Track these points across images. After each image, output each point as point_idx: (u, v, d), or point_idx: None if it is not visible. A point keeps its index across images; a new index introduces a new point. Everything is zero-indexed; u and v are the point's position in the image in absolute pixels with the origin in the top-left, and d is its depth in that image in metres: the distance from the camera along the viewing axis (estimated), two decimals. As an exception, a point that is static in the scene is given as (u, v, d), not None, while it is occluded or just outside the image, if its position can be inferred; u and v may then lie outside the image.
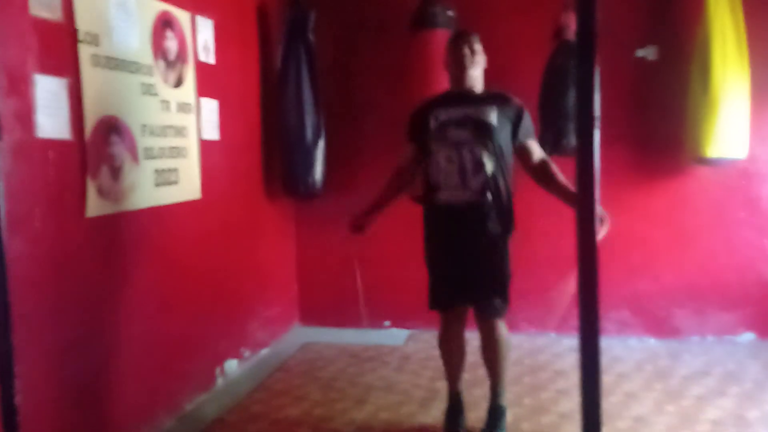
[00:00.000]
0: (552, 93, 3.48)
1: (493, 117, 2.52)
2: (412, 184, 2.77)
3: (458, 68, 2.59)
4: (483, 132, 2.51)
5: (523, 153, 2.60)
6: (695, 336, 3.89)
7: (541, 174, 2.57)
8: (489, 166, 2.50)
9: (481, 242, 2.55)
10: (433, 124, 2.57)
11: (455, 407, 2.79)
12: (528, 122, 2.61)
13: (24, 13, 2.09)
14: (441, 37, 3.58)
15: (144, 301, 2.70)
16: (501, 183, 2.53)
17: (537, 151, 2.61)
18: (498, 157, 2.51)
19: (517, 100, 2.63)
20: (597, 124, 1.06)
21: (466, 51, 2.56)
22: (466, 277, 2.58)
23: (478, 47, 2.59)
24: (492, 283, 2.57)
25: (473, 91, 2.61)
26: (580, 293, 1.11)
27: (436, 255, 2.67)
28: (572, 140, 3.43)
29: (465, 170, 2.50)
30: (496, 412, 2.70)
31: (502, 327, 2.62)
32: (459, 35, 2.65)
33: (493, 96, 2.61)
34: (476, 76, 2.60)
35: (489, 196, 2.50)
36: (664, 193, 3.82)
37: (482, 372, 2.81)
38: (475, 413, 2.84)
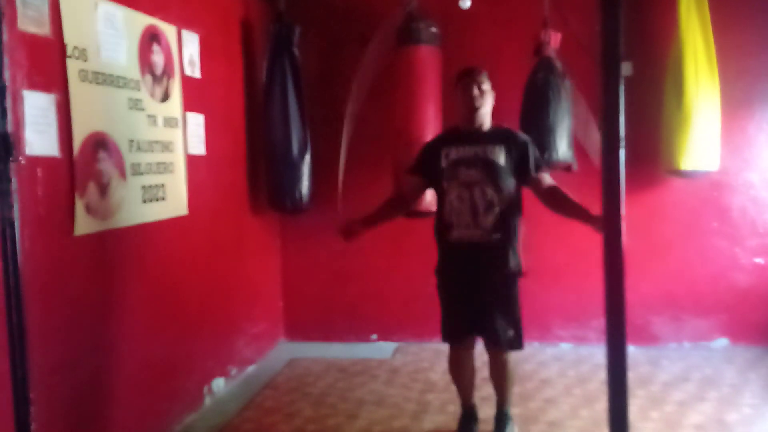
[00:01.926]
0: (533, 108, 3.56)
1: (501, 157, 2.60)
2: (408, 210, 2.85)
3: (467, 108, 2.65)
4: (492, 171, 2.58)
5: (535, 184, 2.66)
6: (672, 343, 4.00)
7: (552, 199, 2.63)
8: (499, 204, 2.57)
9: (493, 279, 2.62)
10: (444, 162, 2.64)
11: (469, 416, 2.84)
12: (537, 154, 2.69)
13: (12, 28, 2.05)
14: (424, 52, 3.64)
15: (132, 320, 2.64)
16: (511, 220, 2.61)
17: (547, 179, 2.68)
18: (507, 196, 2.59)
19: (522, 136, 2.71)
20: (622, 144, 1.09)
21: (476, 92, 2.62)
22: (479, 312, 2.63)
23: (486, 86, 2.65)
24: (505, 317, 2.62)
25: (482, 129, 2.67)
26: (606, 303, 1.14)
27: (449, 288, 2.73)
28: (554, 154, 3.51)
29: (476, 209, 2.58)
30: (502, 420, 2.78)
31: (510, 355, 2.70)
32: (467, 73, 2.69)
33: (500, 134, 2.68)
34: (485, 114, 2.67)
35: (500, 234, 2.58)
36: (640, 205, 3.92)
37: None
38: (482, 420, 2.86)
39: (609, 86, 1.05)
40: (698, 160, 3.59)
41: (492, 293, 2.62)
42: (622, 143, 1.08)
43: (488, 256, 2.60)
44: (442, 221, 2.67)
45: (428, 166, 2.71)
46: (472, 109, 2.63)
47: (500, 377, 2.74)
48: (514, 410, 3.07)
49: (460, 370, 2.80)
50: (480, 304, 2.62)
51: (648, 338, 3.98)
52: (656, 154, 3.79)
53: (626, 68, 3.75)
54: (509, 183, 2.60)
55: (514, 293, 2.65)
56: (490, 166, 2.59)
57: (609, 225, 1.06)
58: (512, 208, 2.62)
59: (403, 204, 2.85)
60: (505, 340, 2.63)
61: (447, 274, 2.72)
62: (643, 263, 3.94)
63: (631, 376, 3.85)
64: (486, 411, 2.91)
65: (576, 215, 2.55)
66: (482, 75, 2.66)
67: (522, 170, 2.63)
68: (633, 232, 3.90)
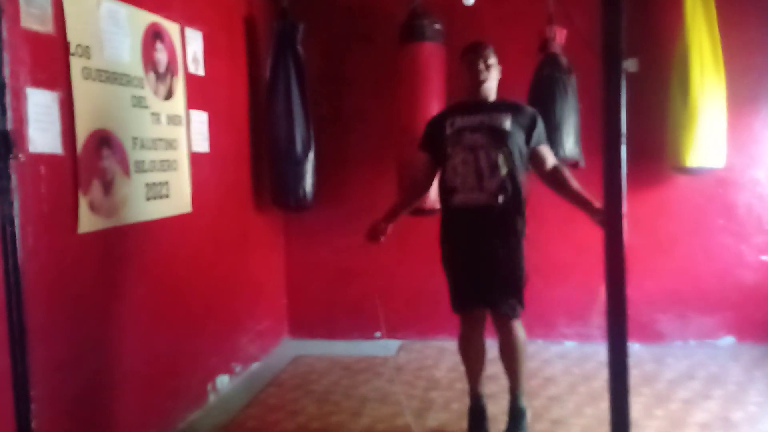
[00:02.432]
0: (538, 105, 3.50)
1: (507, 123, 2.59)
2: (427, 193, 2.83)
3: (472, 81, 2.65)
4: (498, 136, 2.57)
5: (536, 159, 2.66)
6: (678, 340, 3.98)
7: (554, 179, 2.63)
8: (504, 168, 2.55)
9: (497, 243, 2.60)
10: (449, 130, 2.64)
11: (477, 409, 2.80)
12: (541, 128, 2.67)
13: (15, 26, 2.05)
14: (429, 49, 3.63)
15: (136, 318, 2.65)
16: (516, 185, 2.58)
17: (550, 158, 2.68)
18: (513, 161, 2.57)
19: (530, 108, 2.71)
20: (623, 140, 1.08)
21: (481, 65, 2.63)
22: (483, 278, 2.62)
23: (492, 60, 2.66)
24: (507, 283, 2.61)
25: (487, 101, 2.67)
26: (608, 300, 1.13)
27: (453, 257, 2.71)
28: (560, 151, 3.49)
29: (481, 172, 2.56)
30: (516, 414, 2.74)
31: (518, 328, 2.67)
32: (472, 48, 2.69)
33: (506, 104, 2.68)
34: (491, 88, 2.67)
35: (504, 197, 2.56)
36: (646, 202, 3.90)
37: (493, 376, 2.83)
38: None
39: (610, 81, 1.04)
40: (704, 157, 3.57)
41: (496, 257, 2.59)
42: (623, 139, 1.07)
43: (492, 219, 2.57)
44: (445, 187, 2.65)
45: (434, 138, 2.70)
46: (478, 83, 2.62)
47: (509, 353, 2.68)
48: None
49: (470, 345, 2.76)
50: (484, 269, 2.61)
51: (653, 336, 3.96)
52: (662, 151, 3.77)
53: (632, 64, 3.76)
54: (515, 147, 2.58)
55: (518, 257, 2.62)
56: (495, 131, 2.57)
57: (610, 222, 1.06)
58: (517, 172, 2.59)
59: (419, 188, 2.82)
60: (509, 305, 2.61)
61: (452, 241, 2.70)
62: (649, 260, 3.92)
63: (636, 374, 3.82)
64: (496, 407, 2.89)
65: (577, 202, 2.54)
66: (488, 49, 2.66)
67: (527, 140, 2.62)
68: (638, 229, 3.93)
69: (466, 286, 2.67)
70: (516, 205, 2.59)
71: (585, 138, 3.64)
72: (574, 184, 2.59)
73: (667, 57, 3.73)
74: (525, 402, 2.78)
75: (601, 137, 1.11)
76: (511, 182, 2.56)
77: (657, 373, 3.50)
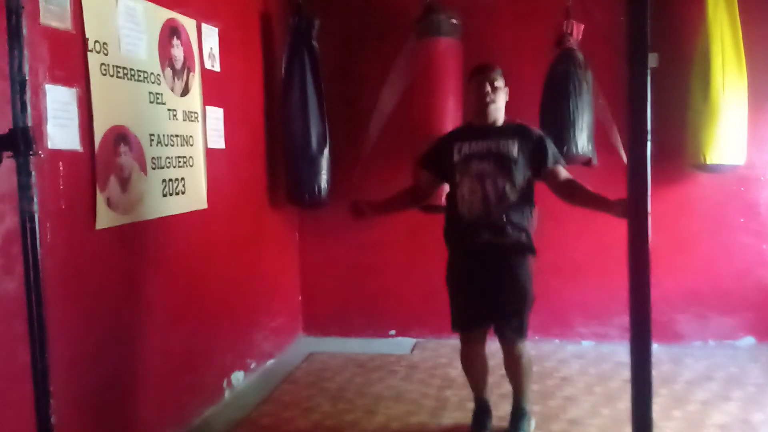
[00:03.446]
0: (553, 100, 3.51)
1: (514, 150, 2.58)
2: (423, 203, 2.87)
3: (480, 104, 2.64)
4: (505, 164, 2.57)
5: (552, 177, 2.64)
6: (696, 341, 3.93)
7: (569, 191, 2.60)
8: (511, 196, 2.55)
9: (501, 270, 2.61)
10: (456, 157, 2.63)
11: (482, 410, 2.83)
12: (553, 148, 2.66)
13: (35, 23, 2.06)
14: (445, 45, 3.60)
15: (153, 313, 2.66)
16: (523, 213, 2.59)
17: (563, 173, 2.65)
18: (519, 188, 2.57)
19: (537, 131, 2.69)
20: (649, 136, 1.06)
21: (488, 88, 2.61)
22: (486, 299, 2.62)
23: (499, 83, 2.63)
24: (512, 307, 2.61)
25: (495, 125, 2.66)
26: (630, 299, 1.11)
27: (458, 279, 2.72)
28: (573, 148, 3.46)
29: (488, 201, 2.56)
30: (518, 414, 2.75)
31: (522, 347, 2.67)
32: (480, 70, 2.68)
33: (514, 129, 2.66)
34: (498, 110, 2.65)
35: (511, 224, 2.56)
36: (665, 199, 3.85)
37: (494, 378, 2.82)
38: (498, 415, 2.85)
39: (635, 77, 1.02)
40: (725, 154, 3.52)
41: (502, 279, 2.60)
42: (649, 136, 1.05)
43: (498, 247, 2.58)
44: (452, 213, 2.66)
45: (440, 162, 2.70)
46: (485, 105, 2.61)
47: (515, 370, 2.71)
48: (533, 407, 3.04)
49: (472, 363, 2.78)
50: (489, 290, 2.61)
51: (671, 336, 3.91)
52: (682, 148, 3.72)
53: (652, 60, 3.70)
54: (521, 176, 2.58)
55: (525, 281, 2.61)
56: (503, 159, 2.57)
57: (635, 219, 1.04)
58: (525, 200, 2.59)
59: (418, 197, 2.85)
60: (511, 328, 2.62)
61: (457, 266, 2.71)
62: (668, 259, 3.87)
63: (654, 374, 3.76)
64: (506, 408, 2.87)
65: (594, 205, 2.52)
66: (495, 72, 2.64)
67: (538, 164, 2.60)
68: (657, 227, 3.82)
69: (468, 308, 2.68)
70: (524, 231, 2.59)
71: (598, 134, 3.60)
72: (588, 190, 2.55)
73: (687, 52, 3.67)
74: (529, 405, 2.79)
75: (626, 134, 1.08)
76: (519, 210, 2.57)
77: (675, 374, 3.45)
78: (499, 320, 2.64)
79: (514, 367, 2.71)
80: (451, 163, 2.64)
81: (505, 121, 2.68)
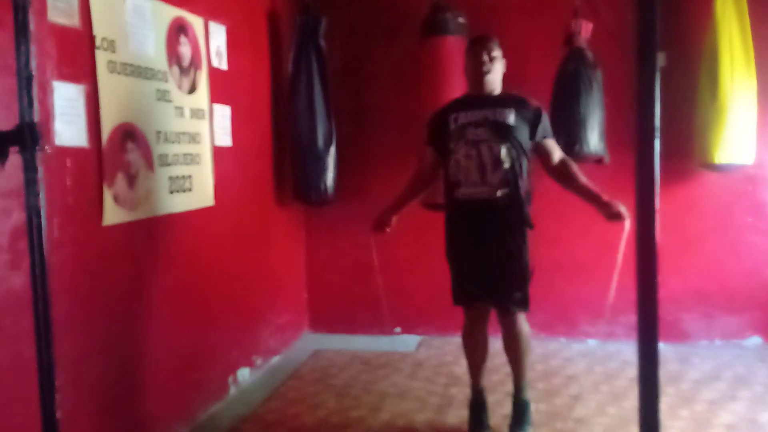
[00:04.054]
0: (564, 99, 3.50)
1: (510, 118, 2.57)
2: (431, 186, 2.84)
3: (476, 74, 2.64)
4: (501, 131, 2.55)
5: (542, 153, 2.64)
6: (703, 340, 3.91)
7: (562, 173, 2.61)
8: (507, 162, 2.54)
9: (500, 237, 2.58)
10: (452, 125, 2.63)
11: (478, 402, 2.81)
12: (546, 122, 2.65)
13: (42, 20, 2.07)
14: (452, 43, 3.60)
15: (159, 310, 2.67)
16: (520, 179, 2.56)
17: (556, 151, 2.65)
18: (516, 155, 2.55)
19: (535, 102, 2.68)
20: (657, 134, 1.06)
21: (485, 57, 2.61)
22: (486, 272, 2.61)
23: (496, 53, 2.63)
24: (511, 277, 2.60)
25: (492, 95, 2.65)
26: (638, 297, 1.10)
27: (457, 251, 2.70)
28: (584, 147, 3.45)
29: (484, 166, 2.54)
30: (520, 407, 2.73)
31: (522, 322, 2.65)
32: (477, 40, 2.69)
33: (510, 99, 2.66)
34: (495, 80, 2.65)
35: (508, 190, 2.54)
36: (672, 199, 3.83)
37: (499, 376, 2.81)
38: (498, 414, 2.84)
39: (644, 73, 1.01)
40: (733, 153, 3.49)
41: (499, 250, 2.58)
42: (657, 133, 1.04)
43: (495, 213, 2.56)
44: (449, 181, 2.64)
45: (437, 133, 2.69)
46: (481, 75, 2.61)
47: (514, 347, 2.68)
48: (539, 406, 3.04)
49: (473, 341, 2.76)
50: (487, 262, 2.59)
51: (678, 335, 3.89)
52: (690, 147, 3.70)
53: (660, 59, 3.68)
54: (518, 142, 2.56)
55: (522, 251, 2.60)
56: (499, 125, 2.56)
57: (642, 218, 1.03)
58: (521, 166, 2.57)
59: (423, 180, 2.83)
60: (512, 299, 2.60)
61: (455, 234, 2.69)
62: (675, 258, 3.86)
63: (661, 373, 3.78)
64: (507, 407, 2.86)
65: (585, 196, 2.51)
66: (492, 42, 2.63)
67: (531, 134, 2.59)
68: (664, 226, 3.82)
69: (468, 279, 2.67)
70: (520, 198, 2.57)
71: (609, 133, 3.58)
72: (582, 177, 2.56)
73: (696, 51, 3.65)
74: (529, 395, 2.78)
75: (633, 132, 1.08)
76: (515, 176, 2.55)
77: (682, 373, 3.44)
78: (498, 293, 2.62)
79: (514, 344, 2.67)
80: (447, 132, 2.63)
81: (502, 92, 2.68)
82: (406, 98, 3.82)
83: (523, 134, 2.58)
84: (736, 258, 3.85)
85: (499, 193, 2.53)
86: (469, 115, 2.60)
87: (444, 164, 2.68)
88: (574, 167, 2.60)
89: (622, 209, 2.37)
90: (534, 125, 2.60)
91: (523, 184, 2.58)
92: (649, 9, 0.98)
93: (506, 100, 2.64)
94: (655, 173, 1.03)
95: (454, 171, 2.60)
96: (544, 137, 2.63)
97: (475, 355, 2.79)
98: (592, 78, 3.47)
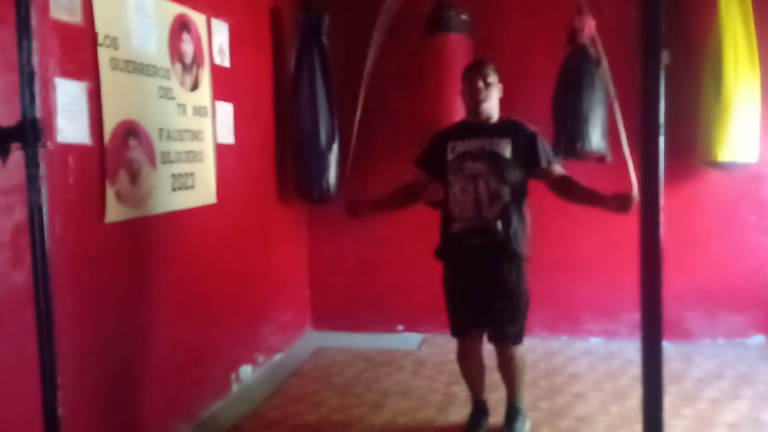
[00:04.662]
0: (566, 97, 3.48)
1: (507, 150, 2.56)
2: (414, 204, 2.82)
3: (473, 101, 2.61)
4: (498, 164, 2.54)
5: (545, 175, 2.61)
6: (706, 339, 3.90)
7: (563, 188, 2.57)
8: (503, 197, 2.53)
9: (495, 272, 2.58)
10: (450, 155, 2.61)
11: (479, 410, 2.83)
12: (545, 147, 2.63)
13: (44, 16, 2.07)
14: (455, 40, 3.59)
15: (161, 307, 2.67)
16: (515, 214, 2.55)
17: (558, 170, 2.62)
18: (512, 189, 2.54)
19: (531, 128, 2.64)
20: (662, 132, 1.05)
21: (480, 84, 2.58)
22: (481, 306, 2.61)
23: (492, 78, 2.60)
24: (506, 312, 2.60)
25: (488, 122, 2.63)
26: (642, 295, 1.10)
27: (452, 285, 2.71)
28: (587, 144, 3.44)
29: (480, 201, 2.53)
30: (512, 414, 2.75)
31: (518, 352, 2.67)
32: (473, 66, 2.67)
33: (507, 127, 2.63)
34: (491, 107, 2.62)
35: (503, 226, 2.53)
36: (676, 197, 3.82)
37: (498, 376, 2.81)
38: (493, 418, 2.84)
39: (649, 70, 1.01)
40: (737, 151, 3.48)
41: (494, 284, 2.58)
42: (662, 130, 1.04)
43: (490, 247, 2.55)
44: (445, 215, 2.65)
45: (434, 160, 2.67)
46: (477, 102, 2.58)
47: (507, 372, 2.71)
48: (542, 404, 3.05)
49: (468, 363, 2.78)
50: (483, 296, 2.59)
51: (681, 334, 3.89)
52: (693, 145, 3.68)
53: (663, 57, 3.65)
54: (515, 176, 2.55)
55: (519, 285, 2.59)
56: (496, 159, 2.54)
57: (647, 216, 1.02)
58: (517, 200, 2.56)
59: (414, 196, 2.79)
60: (506, 334, 2.61)
61: (450, 269, 2.70)
62: (678, 257, 3.84)
63: (664, 372, 3.76)
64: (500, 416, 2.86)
65: (589, 201, 2.50)
66: (488, 68, 2.61)
67: (531, 162, 2.57)
68: (667, 224, 3.79)
69: (465, 314, 2.67)
70: (515, 233, 2.55)
71: (611, 131, 3.57)
72: (583, 186, 2.52)
73: (699, 49, 3.63)
74: (523, 404, 2.78)
75: (636, 130, 1.07)
76: (510, 211, 2.53)
77: (685, 372, 3.43)
78: (493, 328, 2.64)
79: (507, 368, 2.70)
80: (445, 162, 2.61)
81: (499, 118, 2.65)
82: (409, 96, 3.81)
83: (519, 166, 2.56)
84: (740, 256, 3.84)
85: (493, 228, 2.52)
86: (466, 144, 2.59)
87: (444, 196, 2.66)
88: (574, 180, 2.57)
89: (633, 189, 2.29)
90: (534, 153, 2.57)
91: (519, 218, 2.57)
92: (654, 6, 0.97)
93: (503, 128, 2.61)
94: (659, 171, 1.03)
95: (450, 205, 2.60)
96: (548, 163, 2.59)
97: (473, 374, 2.80)
98: (595, 75, 3.46)
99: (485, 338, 2.76)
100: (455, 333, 2.74)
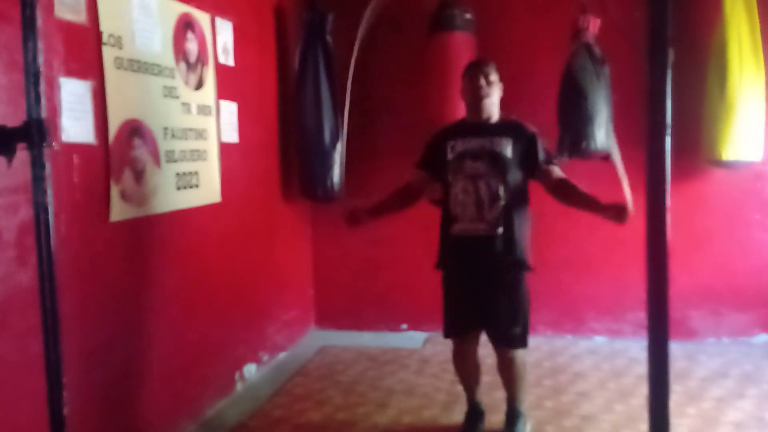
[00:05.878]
0: (571, 96, 3.47)
1: (507, 149, 2.54)
2: (413, 206, 2.79)
3: (474, 99, 2.60)
4: (498, 164, 2.53)
5: (543, 177, 2.59)
6: (711, 337, 3.89)
7: (561, 192, 2.56)
8: (505, 197, 2.51)
9: (496, 272, 2.57)
10: (450, 155, 2.59)
11: (475, 411, 2.83)
12: (545, 147, 2.62)
13: (49, 16, 2.07)
14: (459, 39, 3.58)
15: (166, 306, 2.68)
16: (516, 215, 2.54)
17: (556, 172, 2.60)
18: (513, 189, 2.53)
19: (530, 128, 2.63)
20: (668, 131, 1.04)
21: (482, 82, 2.57)
22: (482, 307, 2.59)
23: (493, 77, 2.59)
24: (508, 316, 2.57)
25: (489, 121, 2.62)
26: (648, 295, 1.09)
27: (452, 285, 2.69)
28: (591, 143, 3.43)
29: (481, 202, 2.52)
30: (512, 416, 2.73)
31: (518, 355, 2.64)
32: (474, 65, 2.66)
33: (508, 126, 2.62)
34: (492, 105, 2.61)
35: (504, 227, 2.52)
36: (680, 196, 3.76)
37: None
38: (495, 416, 2.83)
39: (656, 69, 1.00)
40: (741, 150, 3.48)
41: (496, 288, 2.56)
42: (668, 130, 1.03)
43: (492, 249, 2.53)
44: (446, 214, 2.62)
45: (434, 160, 2.66)
46: (479, 100, 2.57)
47: (508, 375, 2.67)
48: (546, 403, 3.05)
49: (464, 364, 2.76)
50: (484, 299, 2.57)
51: (686, 333, 3.88)
52: (698, 143, 3.68)
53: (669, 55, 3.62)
54: (515, 176, 2.54)
55: (520, 288, 2.58)
56: (496, 159, 2.52)
57: (653, 216, 1.02)
58: (518, 201, 2.55)
59: (413, 197, 2.76)
60: (509, 337, 2.58)
61: (450, 269, 2.68)
62: (682, 255, 3.83)
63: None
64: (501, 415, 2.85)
65: (587, 206, 2.49)
66: (489, 66, 2.60)
67: (530, 163, 2.56)
68: (672, 223, 3.82)
69: (462, 313, 2.65)
70: (517, 234, 2.54)
71: (617, 130, 3.56)
72: (581, 191, 2.51)
73: (704, 47, 3.62)
74: (523, 407, 2.75)
75: (641, 128, 1.07)
76: (512, 212, 2.52)
77: (689, 371, 3.43)
78: (496, 329, 2.61)
79: (507, 371, 2.66)
80: (445, 161, 2.60)
81: (500, 118, 2.64)
82: (413, 94, 3.81)
83: (520, 165, 2.55)
84: (744, 255, 3.83)
85: (495, 230, 2.51)
86: (466, 143, 2.57)
87: (444, 196, 2.64)
88: (573, 184, 2.56)
89: (628, 202, 2.33)
90: (532, 152, 2.56)
91: (520, 219, 2.56)
92: (661, 5, 0.97)
93: (504, 128, 2.60)
94: (666, 170, 1.02)
95: (451, 205, 2.58)
96: (546, 163, 2.58)
97: (468, 376, 2.78)
98: (599, 74, 3.45)
99: (485, 338, 2.73)
100: (449, 334, 2.71)
